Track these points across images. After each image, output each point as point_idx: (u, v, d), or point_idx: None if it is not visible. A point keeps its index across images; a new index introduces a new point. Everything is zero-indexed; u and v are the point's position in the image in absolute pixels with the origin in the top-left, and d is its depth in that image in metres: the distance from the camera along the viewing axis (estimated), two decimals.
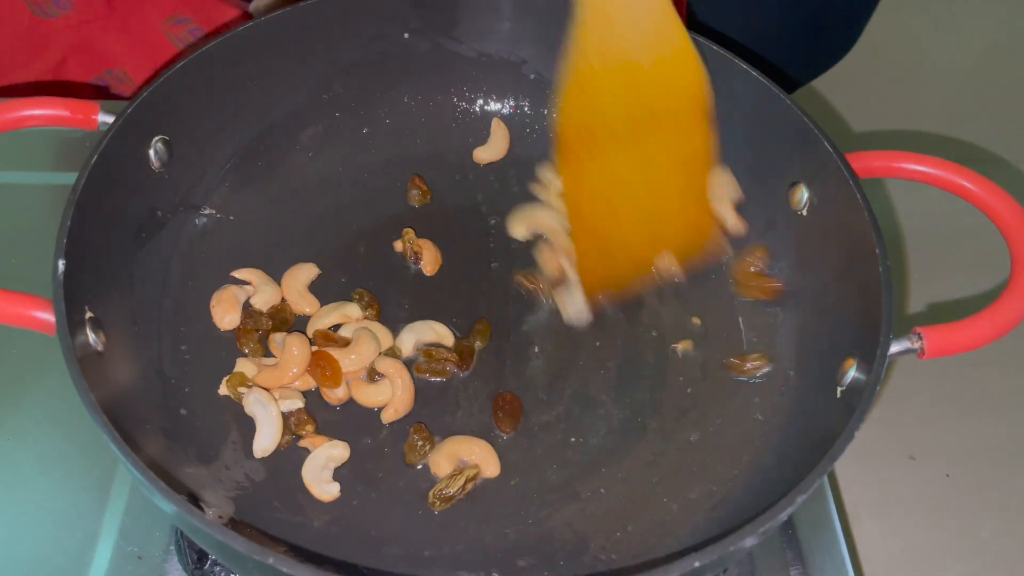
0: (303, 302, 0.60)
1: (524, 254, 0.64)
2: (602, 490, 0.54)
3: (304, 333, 0.58)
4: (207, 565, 0.54)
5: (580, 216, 0.59)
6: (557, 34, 0.56)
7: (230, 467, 0.53)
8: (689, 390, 0.58)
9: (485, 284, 0.63)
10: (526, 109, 0.70)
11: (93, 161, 0.52)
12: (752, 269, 0.62)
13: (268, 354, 0.58)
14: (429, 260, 0.63)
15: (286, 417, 0.54)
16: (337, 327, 0.59)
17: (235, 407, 0.55)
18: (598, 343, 0.60)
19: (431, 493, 0.53)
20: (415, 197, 0.66)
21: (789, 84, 0.82)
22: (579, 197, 0.59)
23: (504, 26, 0.67)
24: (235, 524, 0.51)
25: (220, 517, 0.50)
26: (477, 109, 0.70)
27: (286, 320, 0.59)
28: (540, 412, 0.57)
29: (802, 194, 0.59)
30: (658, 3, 0.54)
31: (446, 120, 0.70)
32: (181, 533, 0.55)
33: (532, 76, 0.69)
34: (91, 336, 0.50)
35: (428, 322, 0.60)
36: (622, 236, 0.60)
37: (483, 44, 0.68)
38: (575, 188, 0.59)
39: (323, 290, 0.61)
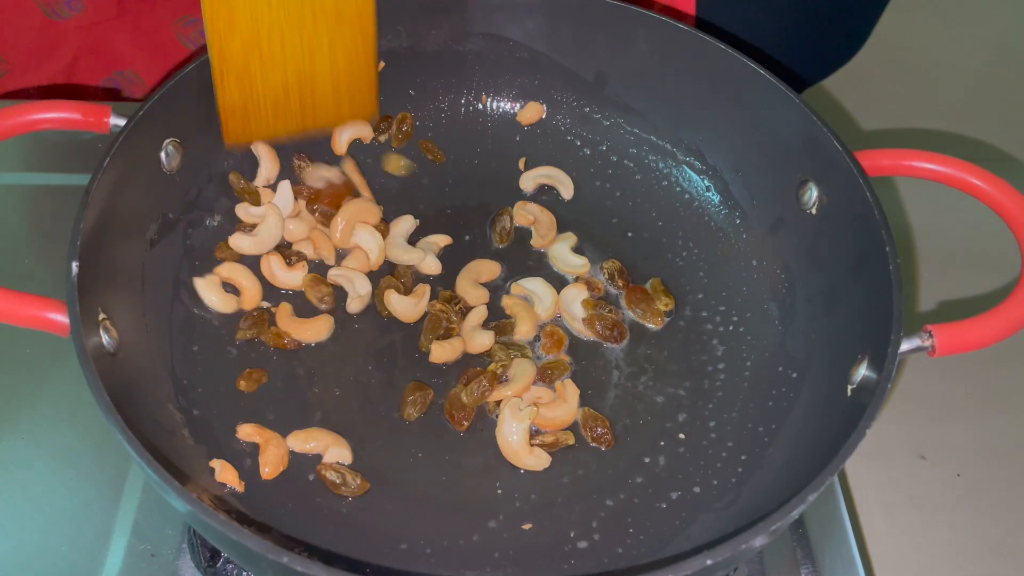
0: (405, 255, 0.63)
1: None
2: (617, 491, 0.54)
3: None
4: (220, 563, 0.54)
5: (225, 55, 0.58)
6: None
7: (243, 466, 0.54)
8: (705, 391, 0.59)
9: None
10: None
11: (106, 164, 0.52)
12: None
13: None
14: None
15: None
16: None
17: (248, 406, 0.56)
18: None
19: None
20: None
21: (798, 83, 0.82)
22: (225, 32, 0.57)
23: None
24: (249, 523, 0.51)
25: (233, 516, 0.51)
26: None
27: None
28: None
29: (811, 193, 0.59)
30: None
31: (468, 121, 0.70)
32: (194, 531, 0.55)
33: None
34: (104, 337, 0.50)
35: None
36: (271, 88, 0.60)
37: None
38: (222, 21, 0.57)
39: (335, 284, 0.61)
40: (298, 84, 0.60)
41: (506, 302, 0.62)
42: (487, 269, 0.63)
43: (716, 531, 0.52)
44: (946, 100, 1.03)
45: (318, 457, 0.54)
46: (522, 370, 0.57)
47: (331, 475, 0.53)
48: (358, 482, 0.53)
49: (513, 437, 0.55)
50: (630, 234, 0.66)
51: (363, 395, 0.57)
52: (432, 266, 0.63)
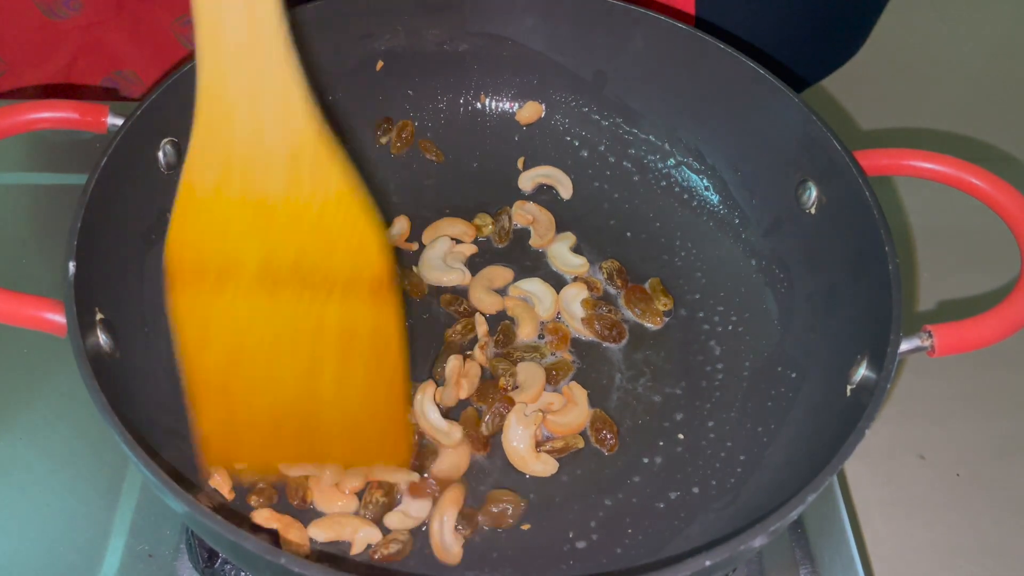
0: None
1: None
2: (615, 491, 0.54)
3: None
4: (218, 563, 0.54)
5: (200, 369, 0.47)
6: None
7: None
8: (703, 390, 0.58)
9: None
10: None
11: (103, 164, 0.52)
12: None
13: None
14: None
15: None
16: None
17: None
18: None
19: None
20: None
21: (798, 83, 0.82)
22: (198, 343, 0.46)
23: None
24: (246, 523, 0.51)
25: (230, 516, 0.50)
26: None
27: None
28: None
29: (810, 192, 0.59)
30: (296, 117, 0.40)
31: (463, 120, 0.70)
32: (192, 532, 0.55)
33: None
34: (101, 337, 0.50)
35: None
36: (251, 411, 0.48)
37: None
38: (192, 330, 0.46)
39: None
40: (296, 414, 0.48)
41: (507, 303, 0.62)
42: (500, 275, 0.63)
43: (715, 531, 0.52)
44: (945, 100, 1.03)
45: None
46: (532, 375, 0.57)
47: (390, 549, 0.50)
48: (407, 537, 0.51)
49: (519, 444, 0.54)
50: (628, 234, 0.66)
51: None
52: (466, 278, 0.63)
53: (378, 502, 0.52)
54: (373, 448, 0.50)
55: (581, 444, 0.56)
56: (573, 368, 0.59)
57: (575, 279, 0.63)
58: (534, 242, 0.65)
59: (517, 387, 0.57)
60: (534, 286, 0.62)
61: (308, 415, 0.48)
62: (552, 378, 0.58)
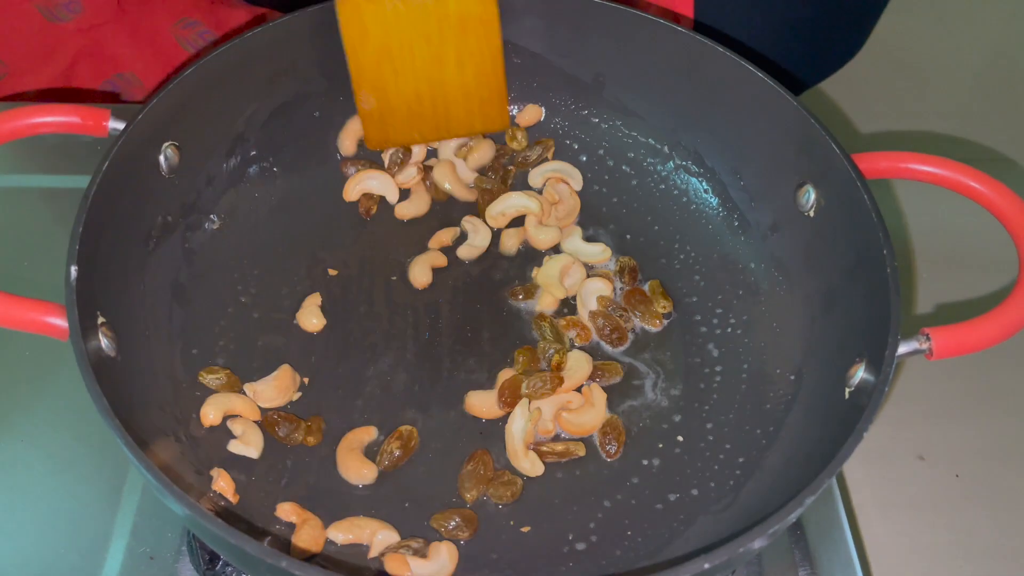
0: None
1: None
2: (614, 493, 0.54)
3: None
4: (219, 566, 0.54)
5: (361, 65, 0.62)
6: None
7: (241, 471, 0.54)
8: (701, 392, 0.59)
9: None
10: None
11: (104, 168, 0.52)
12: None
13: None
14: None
15: None
16: None
17: None
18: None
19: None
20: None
21: (796, 86, 0.82)
22: (360, 43, 0.61)
23: None
24: (247, 526, 0.51)
25: (231, 520, 0.51)
26: None
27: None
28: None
29: (809, 195, 0.60)
30: None
31: None
32: (193, 534, 0.55)
33: None
34: (103, 341, 0.50)
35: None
36: (404, 96, 0.63)
37: None
38: (356, 32, 0.61)
39: (336, 290, 0.62)
40: (430, 93, 0.63)
41: (536, 272, 0.63)
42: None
43: (714, 533, 0.52)
44: (944, 103, 1.03)
45: (309, 455, 0.54)
46: (578, 365, 0.58)
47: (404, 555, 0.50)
48: (421, 543, 0.51)
49: (516, 436, 0.55)
50: (628, 236, 0.66)
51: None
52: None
53: (393, 453, 0.54)
54: (484, 113, 0.65)
55: (582, 452, 0.56)
56: (621, 374, 0.59)
57: (600, 274, 0.63)
58: (535, 237, 0.65)
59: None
60: (579, 247, 0.64)
61: (438, 95, 0.64)
62: (596, 375, 0.58)
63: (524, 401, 0.56)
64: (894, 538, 0.67)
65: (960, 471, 0.70)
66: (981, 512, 0.68)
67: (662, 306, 0.62)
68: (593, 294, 0.62)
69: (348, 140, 0.67)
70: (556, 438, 0.56)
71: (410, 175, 0.66)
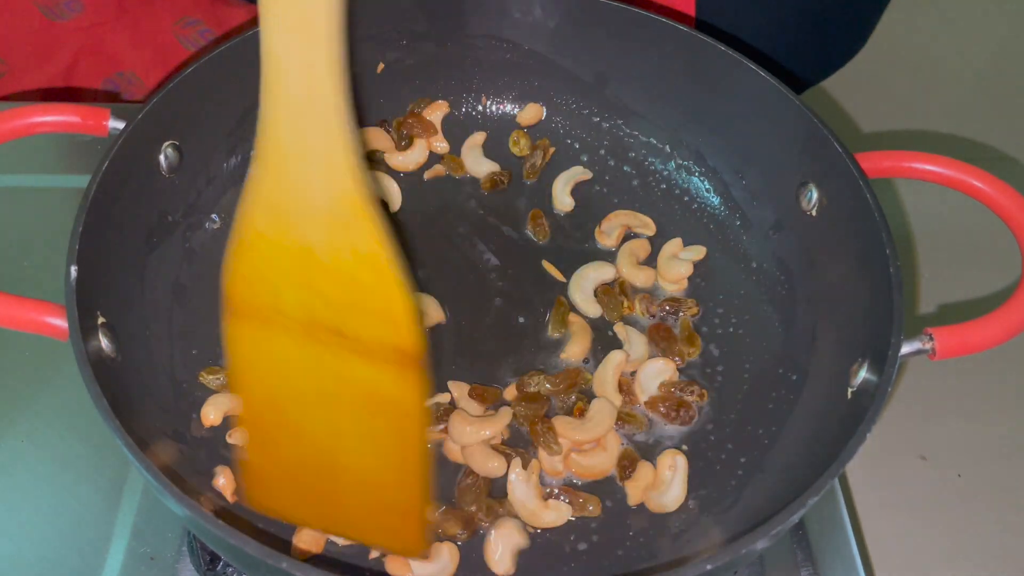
0: None
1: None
2: (616, 493, 0.54)
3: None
4: (220, 566, 0.54)
5: (251, 403, 0.48)
6: None
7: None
8: (704, 392, 0.58)
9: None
10: None
11: (104, 167, 0.52)
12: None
13: None
14: None
15: None
16: None
17: None
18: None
19: None
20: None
21: (798, 84, 0.82)
22: (244, 373, 0.47)
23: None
24: (247, 527, 0.51)
25: (232, 520, 0.50)
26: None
27: None
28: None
29: (811, 195, 0.59)
30: (341, 180, 0.40)
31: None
32: (193, 535, 0.55)
33: None
34: (103, 341, 0.50)
35: None
36: (290, 457, 0.48)
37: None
38: (241, 359, 0.47)
39: None
40: (321, 469, 0.48)
41: (572, 319, 0.60)
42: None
43: (716, 534, 0.52)
44: (946, 101, 1.03)
45: None
46: (601, 414, 0.55)
47: None
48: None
49: (526, 499, 0.52)
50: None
51: None
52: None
53: None
54: (392, 528, 0.48)
55: (598, 511, 0.53)
56: (645, 427, 0.56)
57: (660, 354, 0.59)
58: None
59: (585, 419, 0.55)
60: (633, 335, 0.59)
61: (328, 475, 0.47)
62: (619, 425, 0.56)
63: (516, 460, 0.53)
64: (896, 538, 0.66)
65: (962, 471, 0.70)
66: (983, 512, 0.68)
67: (689, 351, 0.59)
68: (654, 379, 0.57)
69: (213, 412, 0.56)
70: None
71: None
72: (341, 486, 0.47)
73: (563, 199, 0.66)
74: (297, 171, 0.41)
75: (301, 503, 0.49)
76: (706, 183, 0.67)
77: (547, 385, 0.56)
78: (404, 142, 0.68)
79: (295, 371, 0.45)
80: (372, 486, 0.47)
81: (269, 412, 0.47)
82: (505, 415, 0.55)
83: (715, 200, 0.66)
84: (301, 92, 0.39)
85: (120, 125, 0.54)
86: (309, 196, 0.41)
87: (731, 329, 0.61)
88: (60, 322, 0.47)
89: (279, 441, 0.47)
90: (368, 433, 0.45)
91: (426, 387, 0.44)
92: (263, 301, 0.44)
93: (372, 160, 0.67)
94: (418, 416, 0.45)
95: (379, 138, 0.67)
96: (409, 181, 0.67)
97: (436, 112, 0.68)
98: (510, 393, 0.57)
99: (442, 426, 0.55)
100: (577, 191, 0.67)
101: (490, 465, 0.53)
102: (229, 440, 0.54)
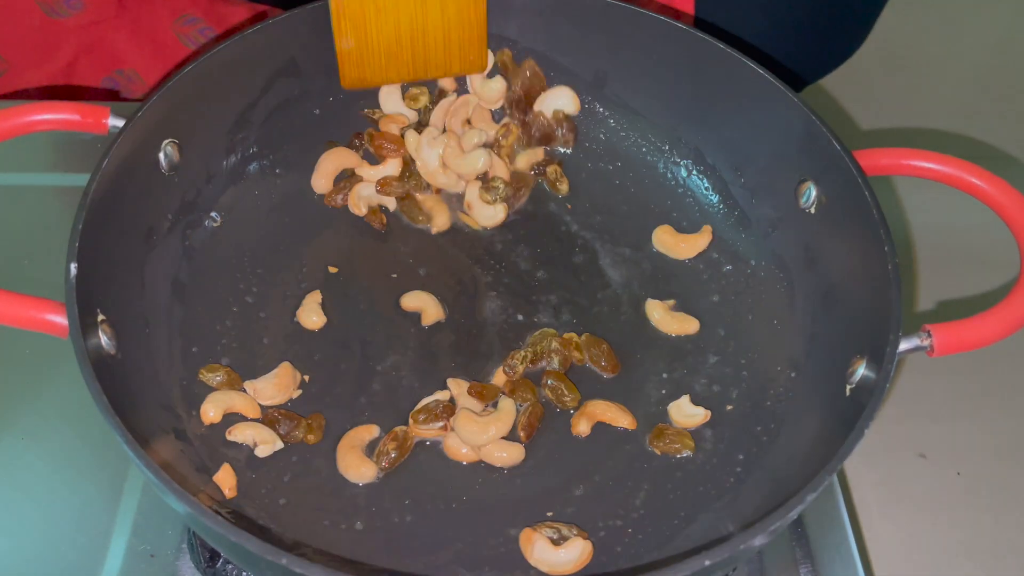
0: None
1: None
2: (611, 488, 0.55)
3: None
4: (219, 563, 0.54)
5: (342, 2, 0.61)
6: None
7: (242, 468, 0.54)
8: (701, 388, 0.59)
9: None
10: None
11: (104, 165, 0.52)
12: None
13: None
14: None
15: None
16: None
17: None
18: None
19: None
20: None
21: (797, 82, 0.82)
22: None
23: None
24: (247, 523, 0.51)
25: (231, 517, 0.51)
26: None
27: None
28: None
29: (810, 192, 0.59)
30: None
31: None
32: (193, 532, 0.55)
33: None
34: (103, 338, 0.50)
35: None
36: (384, 35, 0.63)
37: None
38: None
39: (336, 288, 0.62)
40: (410, 33, 0.64)
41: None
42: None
43: (715, 531, 0.52)
44: (945, 99, 1.03)
45: (312, 455, 0.54)
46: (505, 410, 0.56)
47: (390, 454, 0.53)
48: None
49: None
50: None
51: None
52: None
53: (389, 454, 0.54)
54: (463, 56, 0.66)
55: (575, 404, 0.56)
56: (542, 412, 0.57)
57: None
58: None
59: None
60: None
61: (418, 35, 0.64)
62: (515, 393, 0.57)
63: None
64: (895, 535, 0.67)
65: (961, 469, 0.70)
66: (982, 510, 0.68)
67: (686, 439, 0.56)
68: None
69: (322, 180, 0.66)
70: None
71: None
72: (427, 39, 0.64)
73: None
74: None
75: (393, 67, 0.65)
76: (705, 181, 0.67)
77: (529, 358, 0.58)
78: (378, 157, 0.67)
79: None
80: (451, 29, 0.64)
81: (366, 4, 0.61)
82: (509, 411, 0.55)
83: (714, 198, 0.66)
84: None
85: (120, 123, 0.55)
86: None
87: (730, 327, 0.61)
88: (60, 319, 0.47)
89: (375, 25, 0.62)
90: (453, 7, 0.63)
91: None
92: None
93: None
94: None
95: (351, 157, 0.67)
96: None
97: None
98: (499, 379, 0.58)
99: (441, 423, 0.55)
100: (575, 188, 0.68)
101: None
102: (228, 438, 0.54)
